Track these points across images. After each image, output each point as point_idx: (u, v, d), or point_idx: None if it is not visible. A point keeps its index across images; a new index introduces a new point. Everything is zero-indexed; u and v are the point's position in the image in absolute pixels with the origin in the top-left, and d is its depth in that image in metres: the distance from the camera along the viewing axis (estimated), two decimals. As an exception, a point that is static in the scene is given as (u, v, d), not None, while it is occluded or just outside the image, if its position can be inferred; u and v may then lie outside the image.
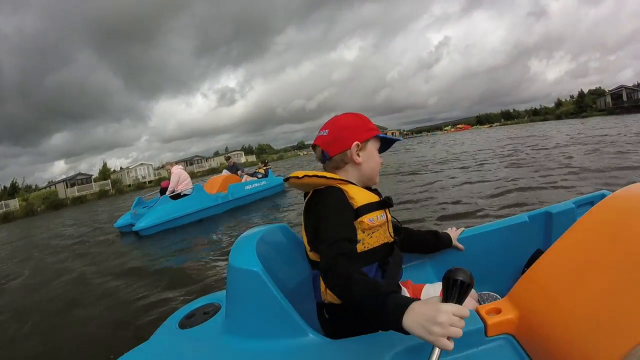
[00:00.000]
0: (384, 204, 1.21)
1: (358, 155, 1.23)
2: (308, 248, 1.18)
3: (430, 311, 0.72)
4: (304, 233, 1.20)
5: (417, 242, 1.55)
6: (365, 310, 0.83)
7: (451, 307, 0.72)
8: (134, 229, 7.41)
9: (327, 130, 1.25)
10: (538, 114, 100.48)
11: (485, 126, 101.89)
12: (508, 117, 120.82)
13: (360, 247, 1.12)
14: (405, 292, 1.29)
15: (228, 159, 11.78)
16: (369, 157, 1.26)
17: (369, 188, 1.27)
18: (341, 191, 1.14)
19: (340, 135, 1.23)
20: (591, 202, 1.60)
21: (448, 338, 0.70)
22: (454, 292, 0.75)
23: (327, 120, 1.30)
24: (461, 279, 0.74)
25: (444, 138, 45.03)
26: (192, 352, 1.18)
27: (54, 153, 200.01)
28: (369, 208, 1.15)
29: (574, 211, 1.58)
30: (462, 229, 1.66)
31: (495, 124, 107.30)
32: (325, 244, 1.00)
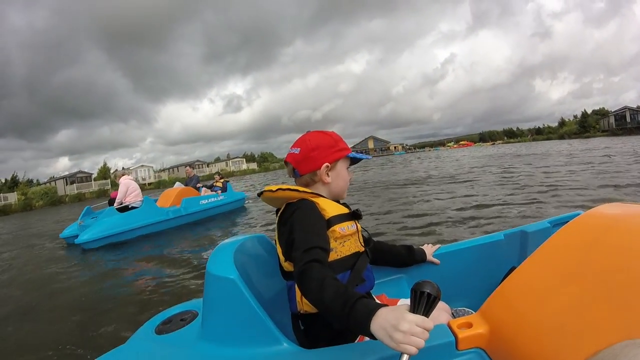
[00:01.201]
0: (354, 215, 1.27)
1: (327, 175, 1.28)
2: (282, 259, 1.21)
3: (395, 319, 0.74)
4: (277, 245, 1.23)
5: (390, 256, 1.58)
6: (335, 313, 0.85)
7: (416, 317, 0.74)
8: (76, 241, 7.07)
9: (298, 149, 1.29)
10: (541, 133, 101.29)
11: (488, 144, 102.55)
12: (511, 135, 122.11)
13: (333, 256, 1.15)
14: None
15: (193, 168, 11.19)
16: (338, 176, 1.31)
17: (337, 201, 1.31)
18: (313, 203, 1.18)
19: (310, 156, 1.27)
20: (566, 222, 1.64)
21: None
22: (421, 303, 0.76)
23: (299, 137, 1.34)
24: (428, 291, 0.75)
25: (445, 154, 44.94)
26: (168, 358, 1.19)
27: (59, 149, 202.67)
28: (340, 218, 1.20)
29: (549, 230, 1.60)
30: (439, 245, 1.69)
31: (498, 141, 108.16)
32: (299, 251, 1.03)
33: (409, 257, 1.60)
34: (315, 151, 1.27)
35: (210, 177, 59.56)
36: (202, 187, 10.13)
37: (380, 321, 0.76)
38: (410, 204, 7.86)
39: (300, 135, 1.35)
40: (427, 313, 0.76)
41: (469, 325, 0.96)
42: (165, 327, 1.40)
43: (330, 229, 1.17)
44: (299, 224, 1.12)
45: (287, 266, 1.19)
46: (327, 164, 1.27)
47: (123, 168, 58.33)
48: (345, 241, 1.20)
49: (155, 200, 8.84)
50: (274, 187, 1.22)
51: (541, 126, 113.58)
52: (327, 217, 1.17)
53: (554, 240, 1.03)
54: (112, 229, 7.25)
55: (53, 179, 54.85)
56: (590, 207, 1.18)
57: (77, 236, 7.29)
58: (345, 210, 1.25)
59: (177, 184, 10.27)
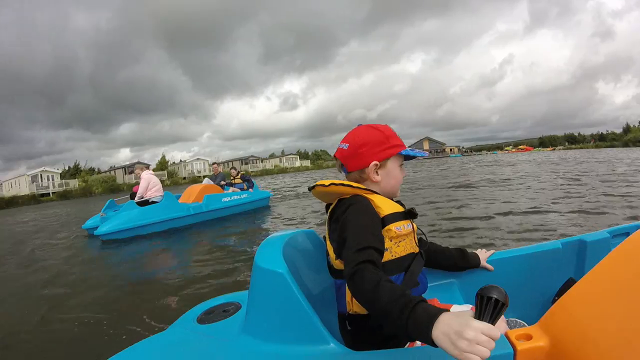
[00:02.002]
0: (409, 214, 1.20)
1: (377, 173, 1.22)
2: (333, 257, 1.17)
3: (460, 325, 0.69)
4: (328, 243, 1.20)
5: (443, 258, 1.50)
6: (392, 317, 0.81)
7: (482, 325, 0.69)
8: (95, 232, 7.14)
9: (347, 145, 1.24)
10: (604, 139, 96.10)
11: (548, 149, 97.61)
12: (573, 140, 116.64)
13: (387, 256, 1.11)
14: None
15: (214, 164, 11.04)
16: (388, 174, 1.24)
17: (391, 199, 1.25)
18: (367, 200, 1.14)
19: (359, 152, 1.21)
20: (627, 233, 1.59)
21: None
22: (487, 310, 0.72)
23: (350, 130, 1.28)
24: (495, 296, 0.72)
25: (503, 158, 43.10)
26: (208, 348, 1.16)
27: (121, 141, 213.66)
28: (395, 217, 1.14)
29: (608, 241, 1.57)
30: (493, 251, 1.60)
31: (559, 147, 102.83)
32: (352, 250, 0.98)
33: (462, 261, 1.51)
34: (363, 147, 1.21)
35: (264, 172, 61.15)
36: (226, 184, 9.95)
37: (443, 327, 0.71)
38: (460, 207, 7.53)
39: (351, 129, 1.28)
40: (493, 321, 0.72)
41: (529, 337, 0.90)
42: (207, 317, 1.38)
43: (386, 228, 1.11)
44: (352, 222, 1.07)
45: (338, 264, 1.14)
46: (375, 162, 1.20)
47: (181, 161, 61.35)
48: (400, 241, 1.15)
49: (179, 196, 8.81)
50: (326, 182, 1.17)
51: (604, 132, 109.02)
52: (382, 215, 1.12)
53: (620, 252, 0.95)
54: (131, 222, 7.22)
55: (113, 169, 57.84)
56: None
57: (97, 228, 7.32)
58: (400, 209, 1.19)
59: (206, 180, 10.13)
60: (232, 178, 10.28)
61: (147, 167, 8.62)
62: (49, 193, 42.82)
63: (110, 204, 8.49)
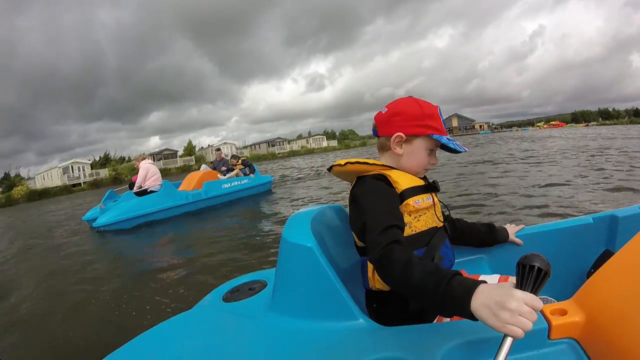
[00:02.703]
0: (430, 187, 1.20)
1: (400, 146, 1.19)
2: (355, 237, 1.16)
3: (501, 296, 0.66)
4: (351, 223, 1.18)
5: (470, 234, 1.45)
6: (427, 294, 0.79)
7: (525, 295, 0.66)
8: (94, 225, 7.09)
9: (386, 109, 1.22)
10: (639, 115, 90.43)
11: (581, 125, 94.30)
12: (607, 116, 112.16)
13: (407, 231, 1.08)
14: None
15: (218, 150, 10.87)
16: (412, 153, 1.19)
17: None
18: (384, 177, 1.12)
19: (391, 120, 1.20)
20: None
21: None
22: (529, 279, 0.69)
23: (398, 98, 1.26)
24: (538, 265, 0.69)
25: (535, 134, 41.71)
26: (236, 326, 1.15)
27: (150, 129, 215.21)
28: (414, 191, 1.12)
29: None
30: (522, 226, 1.56)
31: (592, 123, 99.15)
32: (374, 233, 0.95)
33: (490, 236, 1.46)
34: (397, 116, 1.19)
35: (291, 153, 61.45)
36: (227, 170, 9.82)
37: (484, 299, 0.68)
38: (488, 184, 7.33)
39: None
40: (535, 291, 0.68)
41: (563, 312, 0.85)
42: (233, 296, 1.37)
43: (404, 203, 1.09)
44: (370, 203, 1.05)
45: (360, 243, 1.13)
46: (400, 134, 1.17)
47: (209, 145, 62.26)
48: (420, 215, 1.12)
49: (179, 184, 8.76)
50: (342, 161, 1.17)
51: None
52: (400, 190, 1.10)
53: None
54: (130, 212, 7.17)
55: (143, 156, 59.30)
56: None
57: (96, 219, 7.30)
58: (420, 182, 1.17)
59: (204, 166, 9.99)
60: (232, 166, 10.12)
61: (144, 157, 8.52)
62: (80, 183, 44.25)
63: (110, 195, 8.51)
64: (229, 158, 10.44)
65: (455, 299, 0.73)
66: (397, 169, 1.17)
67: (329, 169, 1.23)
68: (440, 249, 1.15)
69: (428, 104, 1.21)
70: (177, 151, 58.53)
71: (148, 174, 7.94)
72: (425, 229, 1.13)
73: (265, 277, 1.47)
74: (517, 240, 1.50)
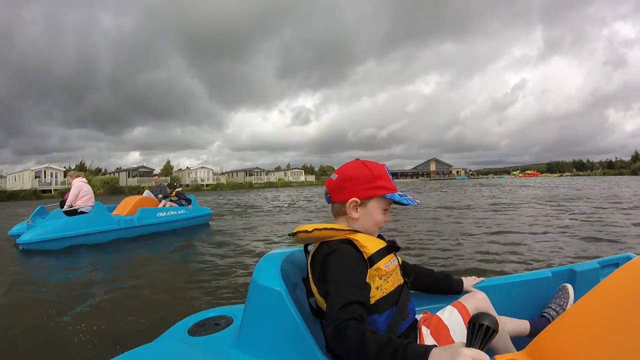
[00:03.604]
0: (392, 248, 1.22)
1: (356, 210, 1.23)
2: (318, 296, 1.15)
3: (450, 356, 0.75)
4: (312, 282, 1.17)
5: (426, 281, 1.52)
6: None
7: (471, 351, 0.74)
8: (17, 240, 6.77)
9: (336, 176, 1.27)
10: (613, 167, 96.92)
11: (556, 175, 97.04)
12: (581, 167, 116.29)
13: (379, 294, 1.12)
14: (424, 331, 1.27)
15: (155, 176, 10.60)
16: (367, 215, 1.24)
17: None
18: (351, 244, 1.14)
19: (343, 186, 1.24)
20: (616, 264, 1.66)
21: None
22: (477, 337, 0.76)
23: (346, 163, 1.31)
24: (487, 324, 0.75)
25: (509, 182, 42.88)
26: None
27: (132, 143, 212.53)
28: (381, 254, 1.15)
29: (598, 271, 1.62)
30: (482, 278, 1.61)
31: (566, 173, 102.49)
32: (335, 307, 0.99)
33: (445, 284, 1.52)
34: (348, 182, 1.23)
35: (268, 184, 61.26)
36: (163, 198, 9.59)
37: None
38: (454, 232, 7.56)
39: (345, 163, 1.31)
40: (483, 347, 0.76)
41: None
42: (198, 330, 1.38)
43: (375, 267, 1.12)
44: (335, 273, 1.07)
45: (321, 303, 1.13)
46: (355, 199, 1.22)
47: (187, 167, 61.66)
48: (389, 277, 1.16)
49: (113, 208, 8.59)
50: (309, 227, 1.16)
51: (613, 159, 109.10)
52: (368, 255, 1.13)
53: (608, 283, 0.98)
54: (56, 232, 6.88)
55: (119, 170, 58.44)
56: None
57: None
58: (382, 244, 1.20)
59: (147, 192, 9.80)
60: (170, 193, 9.86)
61: (79, 175, 8.29)
62: (51, 190, 43.37)
63: (40, 210, 8.26)
64: (161, 183, 10.26)
65: None
66: (362, 233, 1.20)
67: (293, 235, 1.22)
68: (408, 306, 1.21)
69: (375, 165, 1.27)
70: (154, 169, 57.94)
71: (80, 193, 7.70)
72: (393, 288, 1.17)
73: (231, 313, 1.49)
74: (475, 290, 1.52)
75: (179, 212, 9.18)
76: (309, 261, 1.21)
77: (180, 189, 10.16)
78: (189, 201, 9.77)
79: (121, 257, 6.32)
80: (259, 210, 14.85)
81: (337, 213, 1.28)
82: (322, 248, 1.16)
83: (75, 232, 7.10)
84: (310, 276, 1.19)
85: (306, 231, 1.16)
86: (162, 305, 3.63)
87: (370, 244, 1.15)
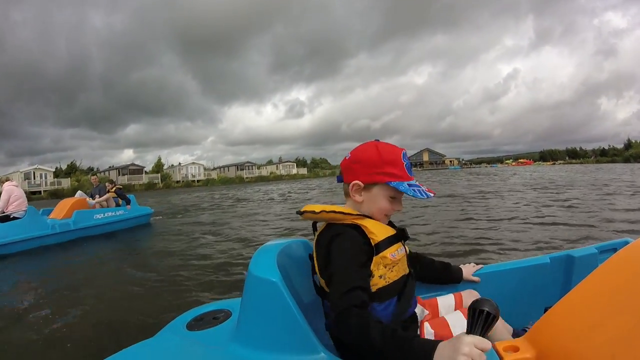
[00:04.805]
0: (401, 236, 1.21)
1: (360, 194, 1.20)
2: (321, 278, 1.16)
3: (454, 347, 0.76)
4: (315, 260, 1.19)
5: (427, 271, 1.50)
6: (389, 356, 0.86)
7: (473, 338, 0.75)
8: None
9: (349, 155, 1.24)
10: (606, 155, 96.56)
11: (548, 163, 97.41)
12: (574, 155, 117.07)
13: (381, 282, 1.11)
14: (423, 312, 1.31)
15: (94, 175, 10.19)
16: (371, 200, 1.20)
17: None
18: (358, 229, 1.13)
19: (351, 167, 1.22)
20: (614, 249, 1.63)
21: None
22: (478, 323, 0.77)
23: (364, 143, 1.26)
24: (487, 309, 0.76)
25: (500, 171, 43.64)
26: (199, 355, 1.17)
27: (126, 141, 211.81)
28: (389, 242, 1.14)
29: (596, 256, 1.61)
30: (481, 265, 1.62)
31: (559, 161, 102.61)
32: (337, 292, 1.00)
33: (445, 274, 1.51)
34: (356, 164, 1.20)
35: (259, 178, 61.11)
36: (96, 200, 9.09)
37: (443, 351, 0.78)
38: (450, 220, 7.72)
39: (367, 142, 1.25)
40: (484, 333, 0.77)
41: (515, 349, 0.92)
42: (197, 324, 1.38)
43: (381, 255, 1.11)
44: (337, 258, 1.06)
45: (324, 283, 1.14)
46: (358, 182, 1.19)
47: (179, 164, 61.48)
48: (394, 266, 1.14)
49: (49, 211, 8.44)
50: (317, 208, 1.15)
51: (606, 147, 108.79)
52: (375, 242, 1.11)
53: (607, 267, 0.99)
54: None
55: (111, 169, 58.27)
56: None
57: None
58: (392, 231, 1.18)
59: (79, 193, 9.57)
60: (108, 189, 9.36)
61: (7, 179, 8.11)
62: (40, 191, 43.44)
63: None
64: (99, 184, 9.76)
65: (419, 358, 0.82)
66: (370, 218, 1.17)
67: (300, 214, 1.21)
68: (412, 297, 1.20)
69: (390, 149, 1.20)
70: (144, 167, 57.83)
71: (11, 198, 7.46)
72: (397, 278, 1.15)
73: (230, 307, 1.49)
74: (474, 278, 1.54)
75: (117, 213, 8.96)
76: (315, 240, 1.21)
77: (121, 186, 9.82)
78: (128, 201, 9.48)
79: (52, 265, 6.07)
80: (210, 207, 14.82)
81: (346, 193, 1.25)
82: (328, 230, 1.15)
83: (7, 239, 6.89)
84: (315, 255, 1.20)
85: (313, 212, 1.15)
86: (106, 315, 3.47)
87: (378, 231, 1.13)
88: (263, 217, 10.54)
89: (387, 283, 1.12)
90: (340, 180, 1.27)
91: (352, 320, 0.92)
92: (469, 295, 1.42)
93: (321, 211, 1.14)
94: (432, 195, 1.21)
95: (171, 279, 4.52)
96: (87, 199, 9.05)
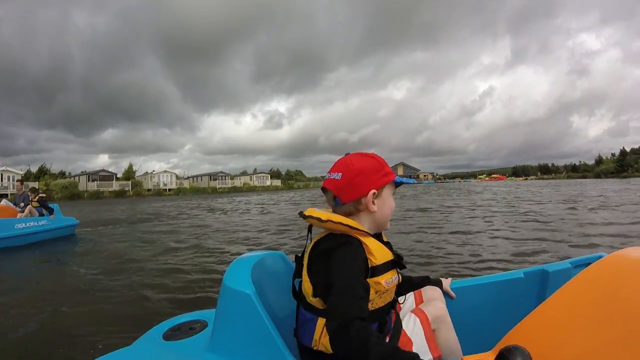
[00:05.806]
0: (398, 264, 1.18)
1: (374, 203, 1.17)
2: (310, 293, 1.12)
3: None
4: (305, 275, 1.14)
5: (407, 286, 1.46)
6: None
7: None
8: None
9: (340, 174, 1.18)
10: (577, 170, 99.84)
11: (521, 178, 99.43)
12: (546, 170, 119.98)
13: (369, 307, 1.08)
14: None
15: (19, 182, 9.84)
16: (384, 203, 1.20)
17: (378, 235, 1.23)
18: (360, 246, 1.10)
19: (355, 182, 1.16)
20: (588, 263, 1.60)
21: None
22: None
23: (338, 160, 1.23)
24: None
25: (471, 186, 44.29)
26: None
27: (102, 146, 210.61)
28: (386, 268, 1.11)
29: (570, 271, 1.61)
30: (450, 279, 1.62)
31: (531, 177, 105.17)
32: (343, 301, 0.97)
33: (423, 284, 1.50)
34: (359, 176, 1.16)
35: (233, 189, 60.43)
36: (23, 208, 8.92)
37: None
38: (418, 234, 7.90)
39: (339, 159, 1.23)
40: None
41: None
42: (173, 334, 1.40)
43: (375, 280, 1.08)
44: (342, 269, 1.04)
45: (314, 302, 1.11)
46: (374, 190, 1.16)
47: (154, 171, 60.44)
48: (384, 293, 1.12)
49: None
50: (323, 216, 1.11)
51: (577, 163, 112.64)
52: (374, 264, 1.09)
53: (577, 282, 1.01)
54: None
55: (82, 174, 57.15)
56: (614, 250, 1.15)
57: None
58: (390, 256, 1.16)
59: (4, 201, 9.40)
60: (31, 199, 9.02)
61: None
62: (7, 194, 42.59)
63: None
64: (24, 192, 9.40)
65: None
66: (372, 237, 1.15)
67: (304, 217, 1.16)
68: (392, 325, 1.21)
69: (371, 154, 1.23)
70: (115, 174, 57.08)
71: None
72: (383, 305, 1.14)
73: (206, 317, 1.50)
74: (451, 292, 1.56)
75: (40, 223, 8.70)
76: (310, 246, 1.18)
77: (44, 195, 9.41)
78: (50, 210, 9.17)
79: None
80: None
81: (348, 213, 1.17)
82: (331, 238, 1.12)
83: None
84: (305, 259, 1.17)
85: (320, 219, 1.11)
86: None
87: (378, 253, 1.11)
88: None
89: (373, 308, 1.10)
90: (338, 204, 1.18)
91: (355, 334, 0.90)
92: (429, 290, 1.49)
93: (328, 220, 1.10)
94: (414, 181, 1.43)
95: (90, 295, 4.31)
96: (16, 208, 8.94)
